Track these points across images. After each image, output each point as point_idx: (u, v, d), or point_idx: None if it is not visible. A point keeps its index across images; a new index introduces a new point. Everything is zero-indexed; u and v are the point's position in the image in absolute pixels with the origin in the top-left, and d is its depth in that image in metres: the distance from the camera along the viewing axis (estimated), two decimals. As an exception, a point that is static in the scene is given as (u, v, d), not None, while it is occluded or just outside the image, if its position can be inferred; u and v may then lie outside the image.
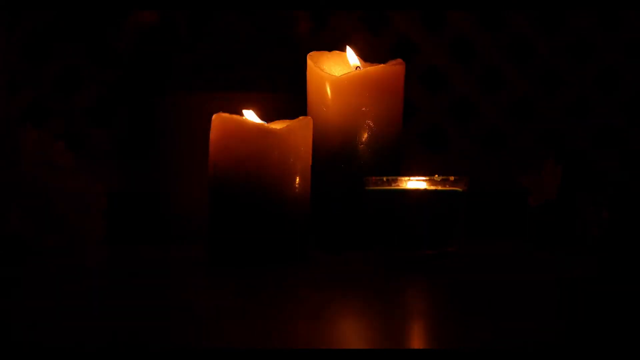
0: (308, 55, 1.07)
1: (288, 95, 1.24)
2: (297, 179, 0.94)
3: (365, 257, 0.99)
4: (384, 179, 0.93)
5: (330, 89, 1.05)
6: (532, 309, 0.70)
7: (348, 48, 1.08)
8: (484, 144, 1.42)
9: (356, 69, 1.08)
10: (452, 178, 0.92)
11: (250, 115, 0.97)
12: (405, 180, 0.92)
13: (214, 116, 0.94)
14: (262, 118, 0.98)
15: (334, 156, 1.05)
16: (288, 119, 0.96)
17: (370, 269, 0.93)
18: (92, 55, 1.36)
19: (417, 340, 0.60)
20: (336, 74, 1.06)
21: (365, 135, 1.05)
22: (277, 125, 0.95)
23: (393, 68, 1.06)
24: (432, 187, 0.92)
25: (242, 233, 0.93)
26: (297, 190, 0.94)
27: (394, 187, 0.93)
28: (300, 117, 0.96)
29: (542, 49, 1.42)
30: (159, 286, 0.84)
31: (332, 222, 1.06)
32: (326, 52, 1.09)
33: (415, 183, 0.92)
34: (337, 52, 1.10)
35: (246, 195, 0.92)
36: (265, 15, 1.30)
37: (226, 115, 0.93)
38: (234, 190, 0.93)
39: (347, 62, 1.09)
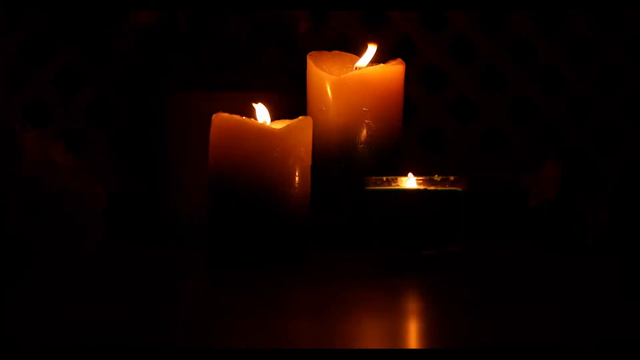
0: (308, 55, 1.07)
1: (288, 95, 1.24)
2: (297, 179, 0.94)
3: (365, 257, 0.99)
4: (384, 179, 0.93)
5: (330, 89, 1.05)
6: (532, 308, 0.70)
7: (371, 46, 1.08)
8: (484, 143, 1.42)
9: (356, 68, 1.08)
10: (452, 178, 0.92)
11: (260, 110, 0.97)
12: (405, 180, 0.92)
13: (214, 116, 0.94)
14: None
15: (334, 156, 1.05)
16: (288, 119, 0.96)
17: (370, 269, 0.93)
18: (92, 55, 1.36)
19: (417, 340, 0.60)
20: (336, 74, 1.06)
21: (365, 135, 1.05)
22: (277, 125, 0.95)
23: (393, 68, 1.06)
24: (432, 187, 0.92)
25: (242, 233, 0.92)
26: (297, 190, 0.94)
27: (394, 187, 0.93)
28: (300, 117, 0.96)
29: (542, 49, 1.42)
30: (159, 286, 0.84)
31: (332, 222, 1.06)
32: (326, 52, 1.09)
33: (415, 183, 0.92)
34: (337, 52, 1.10)
35: (246, 195, 0.92)
36: (265, 15, 1.30)
37: (226, 115, 0.93)
38: (234, 190, 0.93)
39: (347, 62, 1.09)
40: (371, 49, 1.07)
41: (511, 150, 1.42)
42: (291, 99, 1.21)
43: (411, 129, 1.40)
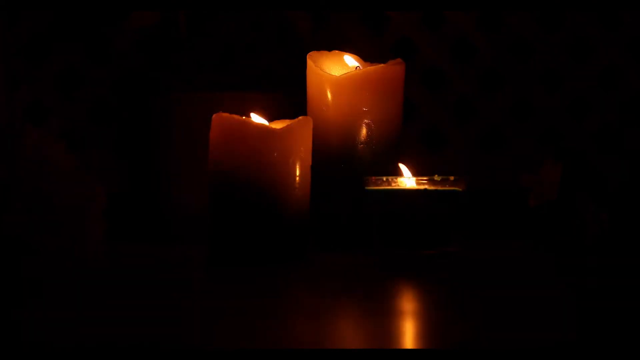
0: (308, 55, 1.07)
1: (288, 95, 1.24)
2: (297, 179, 0.94)
3: (365, 257, 0.99)
4: (384, 179, 0.93)
5: (330, 89, 1.05)
6: (531, 309, 0.70)
7: (346, 55, 1.08)
8: (484, 143, 1.42)
9: (356, 69, 1.08)
10: (452, 178, 0.92)
11: (256, 119, 0.97)
12: (405, 180, 0.92)
13: (214, 116, 0.94)
14: (262, 118, 0.98)
15: (334, 156, 1.05)
16: (288, 119, 0.96)
17: (370, 269, 0.93)
18: (92, 55, 1.36)
19: (416, 341, 0.60)
20: (336, 74, 1.06)
21: (365, 135, 1.05)
22: (277, 125, 0.95)
23: (393, 68, 1.06)
24: (432, 187, 0.92)
25: (242, 233, 0.93)
26: (297, 190, 0.94)
27: (394, 187, 0.93)
28: (300, 117, 0.96)
29: (542, 49, 1.42)
30: (159, 286, 0.84)
31: (331, 222, 1.06)
32: (326, 52, 1.09)
33: (415, 183, 0.92)
34: (337, 52, 1.10)
35: (246, 195, 0.92)
36: (265, 15, 1.30)
37: (226, 115, 0.93)
38: (234, 190, 0.93)
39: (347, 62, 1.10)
40: (347, 58, 1.08)
41: (511, 150, 1.42)
42: (291, 99, 1.21)
43: (411, 129, 1.40)
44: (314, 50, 1.09)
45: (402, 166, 0.95)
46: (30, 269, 0.94)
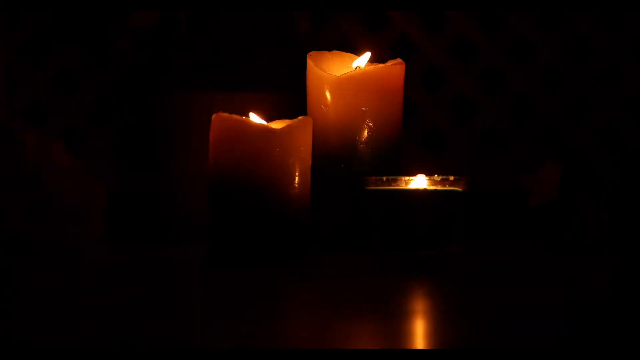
0: (308, 55, 1.07)
1: (288, 95, 1.24)
2: (297, 179, 0.94)
3: (365, 257, 0.99)
4: (384, 179, 0.93)
5: (330, 88, 1.05)
6: (531, 309, 0.70)
7: (364, 55, 1.08)
8: (484, 144, 1.42)
9: (356, 68, 1.08)
10: (452, 178, 0.92)
11: (255, 119, 0.97)
12: (405, 180, 0.92)
13: (214, 116, 0.94)
14: (262, 118, 0.98)
15: (334, 156, 1.05)
16: (288, 119, 0.96)
17: (370, 269, 0.93)
18: (92, 55, 1.36)
19: (416, 341, 0.60)
20: (336, 74, 1.06)
21: (365, 135, 1.05)
22: (277, 125, 0.95)
23: (393, 68, 1.06)
24: (432, 187, 0.92)
25: (242, 233, 0.93)
26: (297, 190, 0.94)
27: (394, 187, 0.93)
28: (300, 117, 0.96)
29: (542, 49, 1.42)
30: (159, 286, 0.84)
31: (331, 222, 1.06)
32: (326, 52, 1.09)
33: (415, 183, 0.92)
34: (337, 52, 1.10)
35: (246, 195, 0.92)
36: (265, 15, 1.30)
37: (226, 115, 0.93)
38: (234, 190, 0.93)
39: (347, 62, 1.09)
40: (366, 55, 1.08)
41: (511, 150, 1.42)
42: (291, 99, 1.21)
43: (411, 129, 1.40)
44: (314, 50, 1.09)
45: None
46: (29, 268, 0.94)
